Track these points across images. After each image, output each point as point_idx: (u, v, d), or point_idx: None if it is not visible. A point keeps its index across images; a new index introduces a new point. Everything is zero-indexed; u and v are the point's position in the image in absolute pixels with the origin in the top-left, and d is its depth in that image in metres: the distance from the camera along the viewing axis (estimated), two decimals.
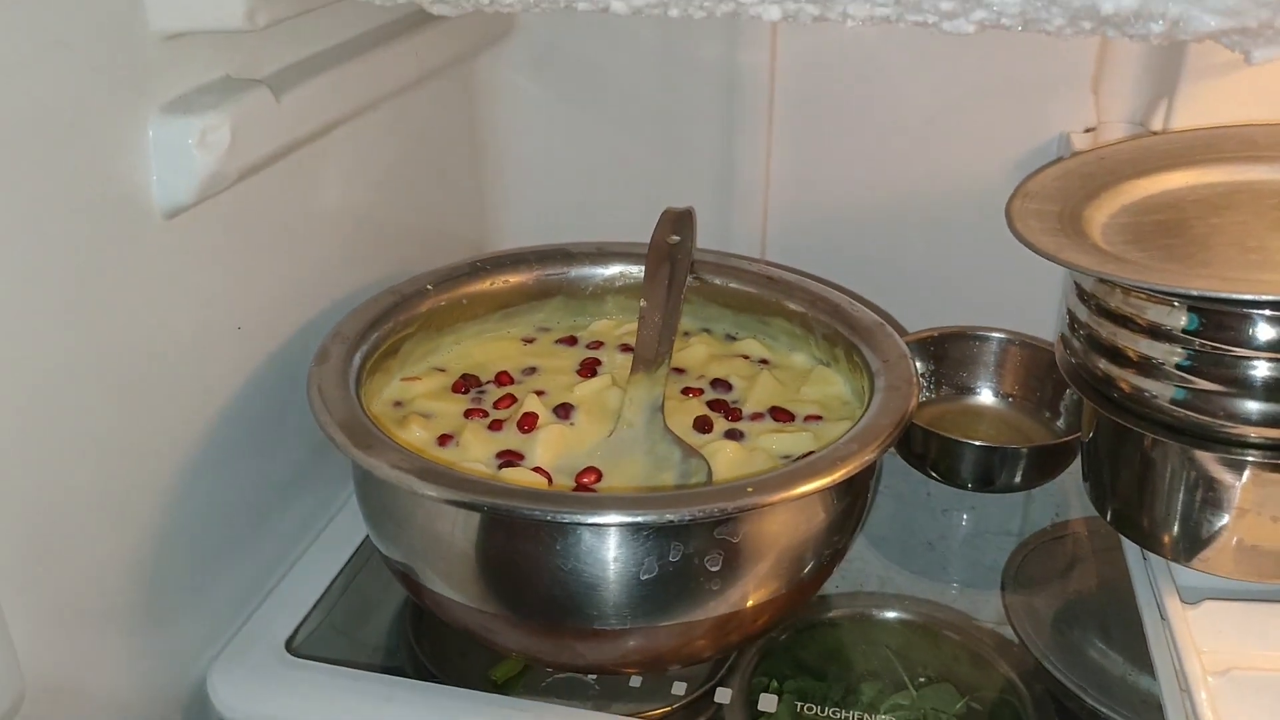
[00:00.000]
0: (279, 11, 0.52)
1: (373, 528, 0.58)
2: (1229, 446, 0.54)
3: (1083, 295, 0.59)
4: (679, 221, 0.71)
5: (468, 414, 0.62)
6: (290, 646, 0.60)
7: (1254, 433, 0.53)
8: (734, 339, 0.71)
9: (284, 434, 0.64)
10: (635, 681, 0.58)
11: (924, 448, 0.71)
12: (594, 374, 0.66)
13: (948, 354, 0.78)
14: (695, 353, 0.69)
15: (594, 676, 0.58)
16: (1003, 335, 0.77)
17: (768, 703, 0.57)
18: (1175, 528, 0.58)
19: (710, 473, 0.55)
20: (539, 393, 0.63)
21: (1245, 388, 0.53)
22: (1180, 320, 0.53)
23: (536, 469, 0.57)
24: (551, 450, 0.58)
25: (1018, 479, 0.70)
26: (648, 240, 0.70)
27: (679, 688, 0.58)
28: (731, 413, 0.63)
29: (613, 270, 0.72)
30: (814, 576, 0.55)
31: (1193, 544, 0.57)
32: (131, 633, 0.54)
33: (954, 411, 0.77)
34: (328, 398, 0.55)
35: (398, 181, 0.73)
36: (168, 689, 0.57)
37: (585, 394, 0.64)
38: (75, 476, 0.49)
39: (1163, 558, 0.59)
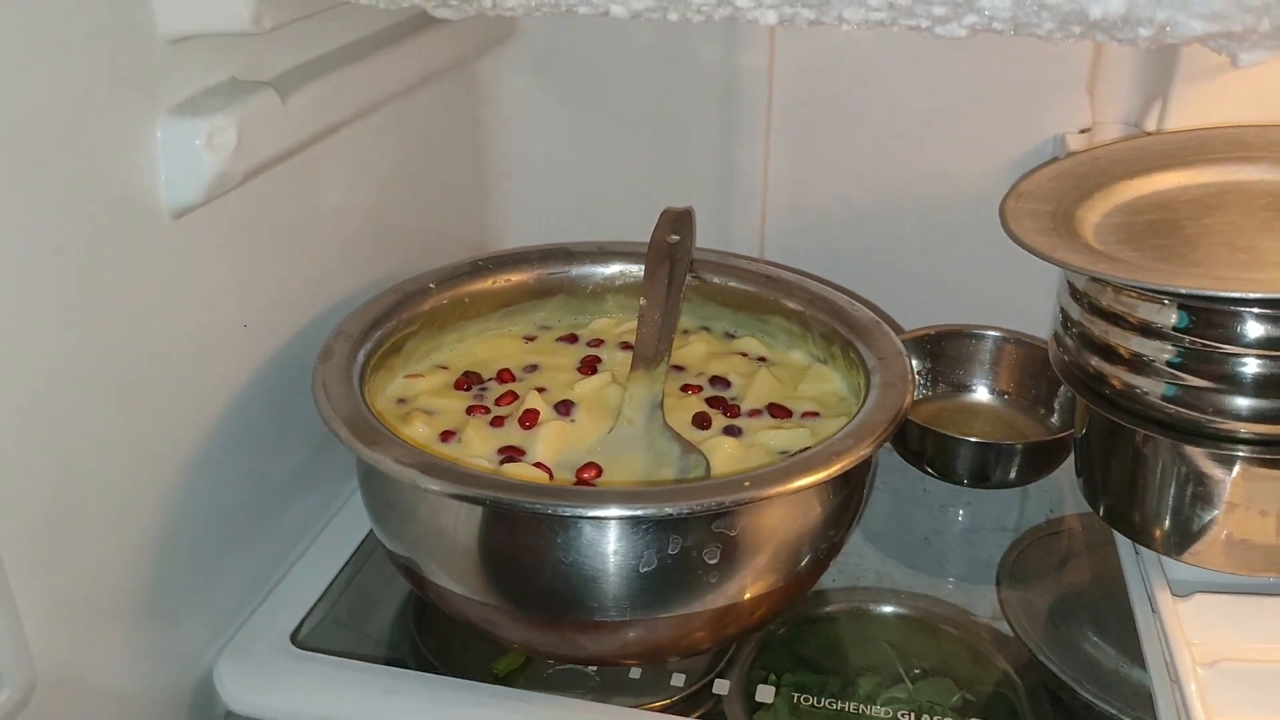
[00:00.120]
0: (284, 15, 0.53)
1: (376, 522, 0.58)
2: (1219, 442, 0.55)
3: (1075, 294, 0.60)
4: (678, 221, 0.71)
5: (470, 411, 0.62)
6: (295, 639, 0.60)
7: (1243, 428, 0.54)
8: (733, 337, 0.71)
9: (288, 431, 0.65)
10: (635, 673, 0.59)
11: (920, 444, 0.72)
12: (594, 371, 0.67)
13: (944, 352, 0.78)
14: (694, 350, 0.69)
15: (594, 668, 0.59)
16: (998, 333, 0.78)
17: (765, 694, 0.58)
18: (1166, 522, 0.58)
19: (709, 468, 0.56)
20: (540, 390, 0.64)
21: (1235, 384, 0.53)
22: (1171, 318, 0.54)
23: (538, 464, 0.58)
24: (552, 446, 0.59)
25: (1013, 475, 0.71)
26: (648, 240, 0.70)
27: (678, 679, 0.59)
28: (730, 409, 0.63)
29: (613, 269, 0.73)
30: (811, 570, 0.56)
31: (1184, 538, 0.58)
32: (138, 627, 0.55)
33: (950, 409, 0.78)
34: (332, 394, 0.56)
35: (400, 182, 0.74)
36: (174, 682, 0.58)
37: (586, 391, 0.64)
38: (81, 473, 0.50)
39: (1154, 552, 0.60)
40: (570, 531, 0.50)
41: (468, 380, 0.66)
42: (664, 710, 0.57)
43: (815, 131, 0.81)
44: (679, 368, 0.67)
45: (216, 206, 0.54)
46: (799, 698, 0.58)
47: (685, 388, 0.65)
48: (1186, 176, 0.65)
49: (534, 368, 0.67)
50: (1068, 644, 0.62)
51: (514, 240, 0.86)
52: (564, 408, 0.62)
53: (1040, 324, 0.78)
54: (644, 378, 0.61)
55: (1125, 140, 0.71)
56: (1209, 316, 0.53)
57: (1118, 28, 0.40)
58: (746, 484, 0.50)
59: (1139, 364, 0.56)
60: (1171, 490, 0.58)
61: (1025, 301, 0.76)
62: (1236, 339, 0.53)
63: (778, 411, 0.63)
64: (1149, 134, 0.72)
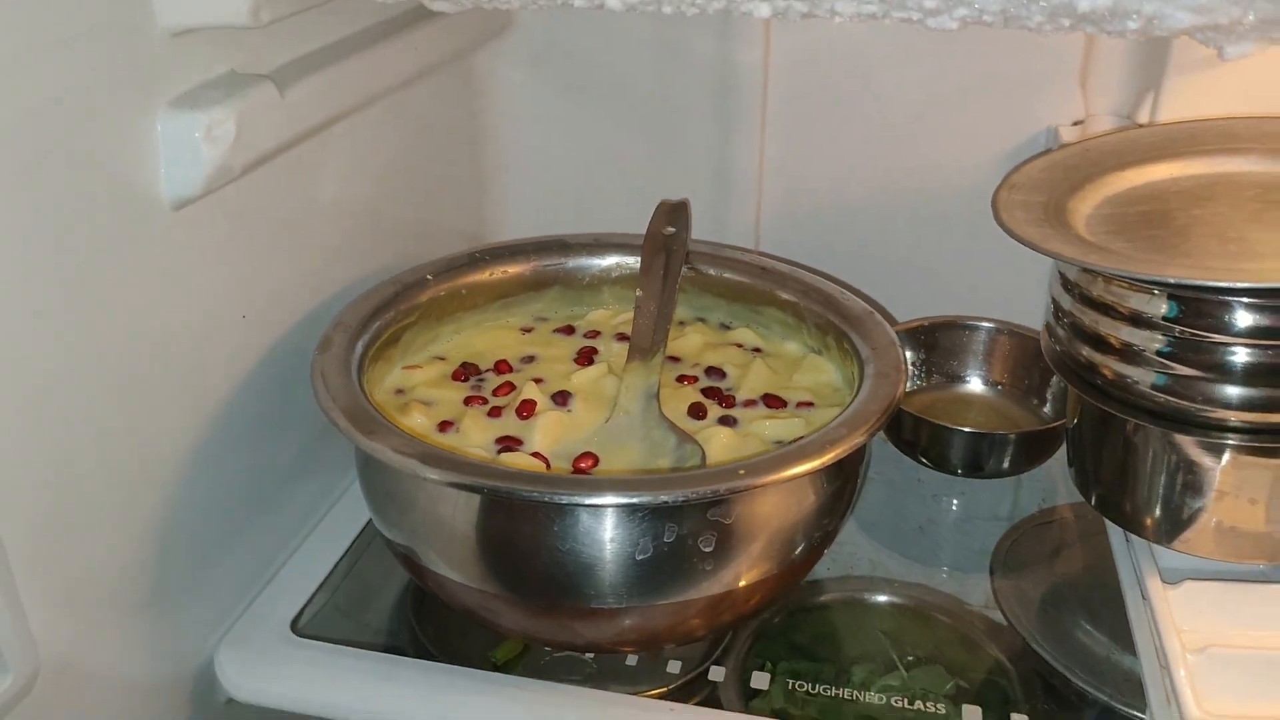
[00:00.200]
0: (282, 8, 0.53)
1: (375, 511, 0.59)
2: (1208, 430, 0.55)
3: (1067, 284, 0.60)
4: (674, 213, 0.72)
5: (467, 401, 0.63)
6: (295, 628, 0.61)
7: (1232, 417, 0.54)
8: (728, 328, 0.72)
9: (288, 421, 0.65)
10: (631, 661, 0.60)
11: (914, 434, 0.73)
12: (591, 362, 0.67)
13: (938, 343, 0.79)
14: (690, 341, 0.70)
15: (591, 656, 0.59)
16: (991, 325, 0.78)
17: (760, 681, 0.59)
18: (1157, 510, 0.59)
19: (704, 457, 0.56)
20: (537, 380, 0.64)
21: (1224, 373, 0.54)
22: (1161, 308, 0.55)
23: (535, 454, 0.58)
24: (549, 436, 0.60)
25: (1006, 464, 0.72)
26: (644, 232, 0.71)
27: (674, 667, 0.59)
28: (725, 400, 0.64)
29: (609, 261, 0.73)
30: (805, 558, 0.57)
31: (1174, 526, 0.58)
32: (139, 615, 0.55)
33: (944, 399, 0.78)
34: (331, 385, 0.56)
35: (398, 174, 0.74)
36: (176, 669, 0.58)
37: (582, 382, 0.65)
38: (84, 462, 0.50)
39: (1145, 540, 0.61)
40: (567, 519, 0.50)
41: (465, 371, 0.66)
42: (660, 698, 0.57)
43: (810, 124, 0.81)
44: (675, 358, 0.68)
45: (216, 199, 0.55)
46: (794, 684, 0.59)
47: (681, 378, 0.66)
48: (1177, 168, 0.65)
49: (531, 359, 0.68)
50: (1060, 632, 0.63)
51: (511, 232, 0.87)
52: (561, 398, 0.63)
53: (1033, 315, 0.78)
54: (640, 368, 0.62)
55: (1117, 132, 0.71)
56: (1198, 306, 0.54)
57: (1106, 20, 0.40)
58: (741, 472, 0.50)
59: (1129, 354, 0.56)
60: (1162, 479, 0.58)
61: (1018, 293, 0.77)
62: (1226, 328, 0.53)
63: (772, 402, 0.63)
64: (1140, 126, 0.72)
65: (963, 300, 0.81)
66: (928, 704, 0.57)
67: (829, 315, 0.66)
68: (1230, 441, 0.55)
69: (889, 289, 0.80)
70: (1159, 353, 0.55)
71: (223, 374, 0.59)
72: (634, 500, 0.49)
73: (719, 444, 0.59)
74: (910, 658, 0.61)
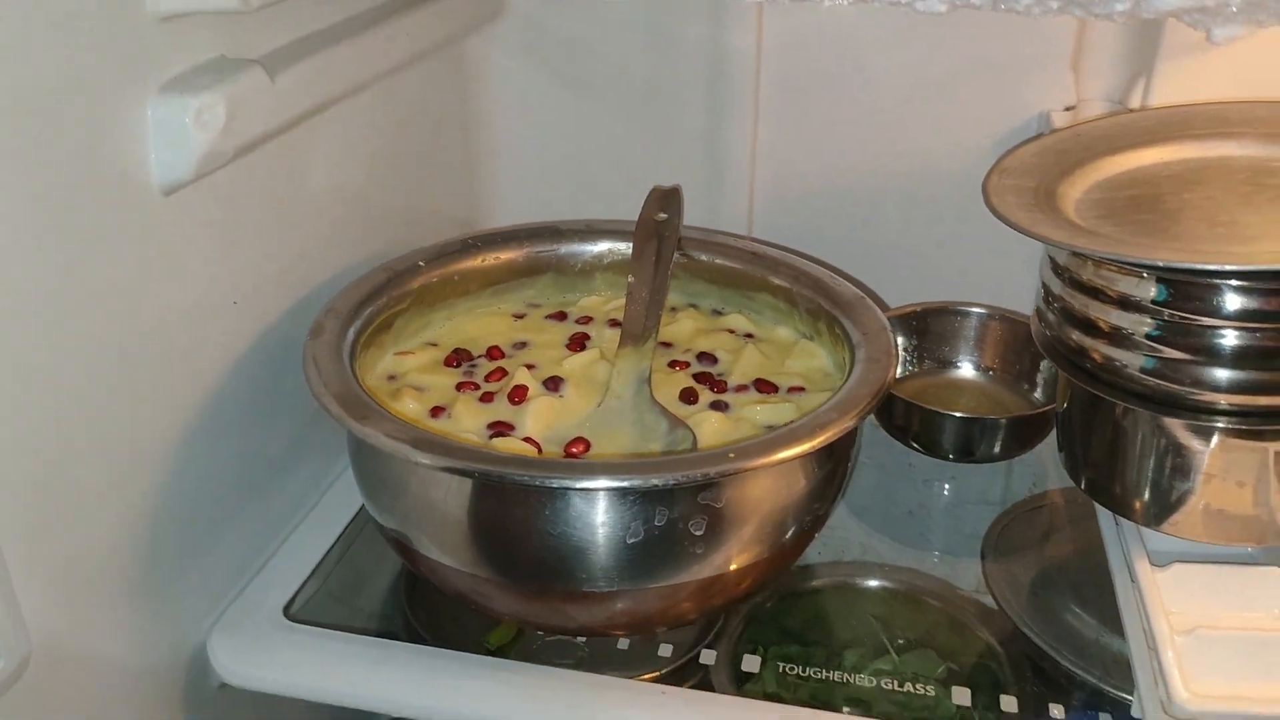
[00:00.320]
0: None
1: (368, 497, 0.59)
2: (1197, 414, 0.55)
3: (1057, 269, 0.60)
4: (666, 199, 0.72)
5: (459, 387, 0.63)
6: (288, 613, 0.61)
7: (1221, 400, 0.54)
8: (720, 314, 0.72)
9: (280, 407, 0.65)
10: (623, 644, 0.60)
11: (906, 420, 0.73)
12: (583, 348, 0.67)
13: (929, 329, 0.79)
14: (682, 327, 0.70)
15: (584, 640, 0.60)
16: (982, 310, 0.78)
17: (751, 664, 0.59)
18: (1146, 494, 0.59)
19: (695, 442, 0.56)
20: (529, 366, 0.64)
21: (1212, 356, 0.54)
22: (1149, 291, 0.55)
23: (527, 439, 0.58)
24: (541, 421, 0.60)
25: (997, 449, 0.72)
26: (636, 218, 0.70)
27: (666, 650, 0.59)
28: (717, 385, 0.64)
29: (601, 247, 0.73)
30: (795, 542, 0.57)
31: (1163, 509, 0.58)
32: (132, 599, 0.55)
33: (936, 385, 0.78)
34: (323, 370, 0.56)
35: (390, 160, 0.74)
36: (169, 654, 0.58)
37: (574, 367, 0.65)
38: (74, 448, 0.50)
39: (1134, 523, 0.61)
40: (558, 503, 0.50)
41: (457, 357, 0.66)
42: (652, 682, 0.58)
43: (802, 109, 0.81)
44: (667, 344, 0.68)
45: (207, 184, 0.55)
46: (785, 668, 0.59)
47: (673, 364, 0.66)
48: (1168, 152, 0.65)
49: (523, 345, 0.68)
50: (1050, 615, 0.63)
51: (503, 218, 0.87)
52: (553, 384, 0.63)
53: (1024, 300, 0.77)
54: (632, 354, 0.62)
55: (1108, 116, 0.71)
56: (1187, 289, 0.54)
57: (1094, 2, 0.40)
58: (731, 456, 0.50)
59: (1119, 337, 0.56)
60: (1151, 462, 0.58)
61: (1009, 278, 0.77)
62: (1215, 311, 0.53)
63: (764, 387, 0.63)
64: (1132, 110, 0.72)
65: (954, 286, 0.81)
66: (918, 686, 0.57)
67: (821, 301, 0.66)
68: (1219, 424, 0.55)
69: (881, 274, 0.80)
70: (1148, 336, 0.55)
71: (214, 360, 0.59)
72: (624, 484, 0.49)
73: (710, 429, 0.59)
74: (901, 642, 0.61)
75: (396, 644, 0.59)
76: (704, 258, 0.72)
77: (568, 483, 0.49)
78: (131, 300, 0.52)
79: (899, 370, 0.78)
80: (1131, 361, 0.56)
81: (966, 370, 0.79)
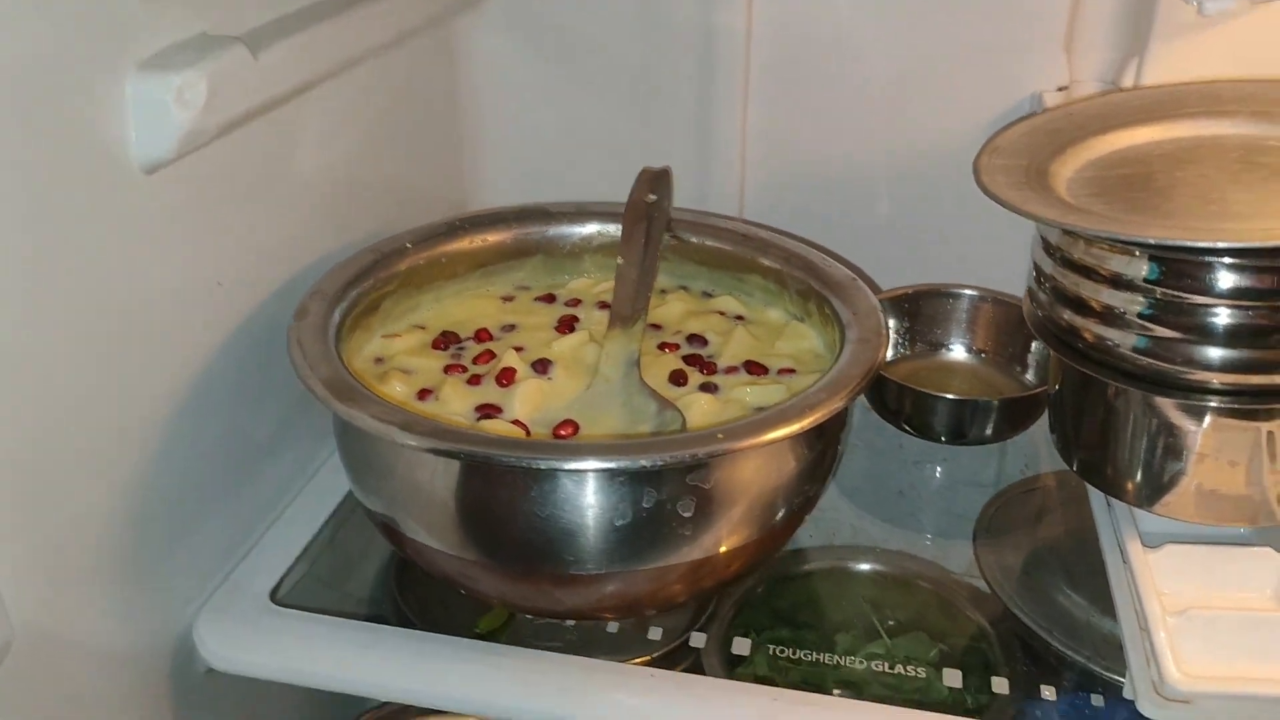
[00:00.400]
0: None
1: (354, 480, 0.58)
2: (1189, 393, 0.55)
3: (1048, 248, 0.60)
4: (656, 181, 0.71)
5: (447, 370, 0.62)
6: (275, 597, 0.61)
7: (1213, 379, 0.54)
8: (710, 296, 0.71)
9: (266, 390, 0.65)
10: (614, 628, 0.60)
11: (898, 402, 0.72)
12: (572, 330, 0.66)
13: (921, 311, 0.79)
14: (672, 309, 0.69)
15: (573, 624, 0.59)
16: (974, 292, 0.78)
17: (742, 647, 0.59)
18: (1138, 474, 0.59)
19: (685, 424, 0.56)
20: (518, 349, 0.64)
21: (1204, 334, 0.54)
22: (1141, 269, 0.54)
23: (515, 422, 0.58)
24: (529, 404, 0.59)
25: (989, 431, 0.72)
26: (625, 200, 0.70)
27: (655, 633, 0.59)
28: (706, 367, 0.63)
29: (590, 229, 0.72)
30: (786, 524, 0.57)
31: (1155, 489, 0.58)
32: (117, 584, 0.55)
33: (928, 367, 0.78)
34: (308, 352, 0.56)
35: (377, 141, 0.73)
36: (154, 639, 0.58)
37: (563, 350, 0.64)
38: (59, 429, 0.50)
39: (1126, 504, 0.61)
40: (545, 485, 0.50)
41: (445, 340, 0.65)
42: (643, 665, 0.57)
43: (793, 90, 0.81)
44: (656, 326, 0.67)
45: (189, 163, 0.54)
46: (776, 650, 0.58)
47: (662, 346, 0.66)
48: (1160, 131, 0.65)
49: (511, 327, 0.67)
50: (1041, 597, 0.63)
51: (491, 200, 0.86)
52: (541, 366, 0.62)
53: (1016, 283, 0.77)
54: (621, 336, 0.61)
55: (1099, 96, 0.71)
56: (1179, 267, 0.53)
57: None
58: (720, 436, 0.50)
59: (1110, 316, 0.56)
60: (1143, 442, 0.58)
61: (1001, 260, 0.76)
62: (1206, 289, 0.53)
63: (754, 368, 0.63)
64: (1123, 90, 0.72)
65: (946, 268, 0.81)
66: (909, 669, 0.57)
67: (811, 282, 0.66)
68: (1211, 404, 0.55)
69: (872, 257, 0.79)
70: (1140, 315, 0.55)
71: (200, 342, 0.59)
72: (612, 465, 0.49)
73: (699, 410, 0.59)
74: (893, 624, 0.61)
75: (384, 628, 0.58)
76: (694, 239, 0.71)
77: (555, 464, 0.49)
78: (113, 281, 0.52)
79: (890, 353, 0.78)
80: (1123, 341, 0.56)
81: (958, 352, 0.79)
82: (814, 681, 0.57)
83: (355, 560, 0.66)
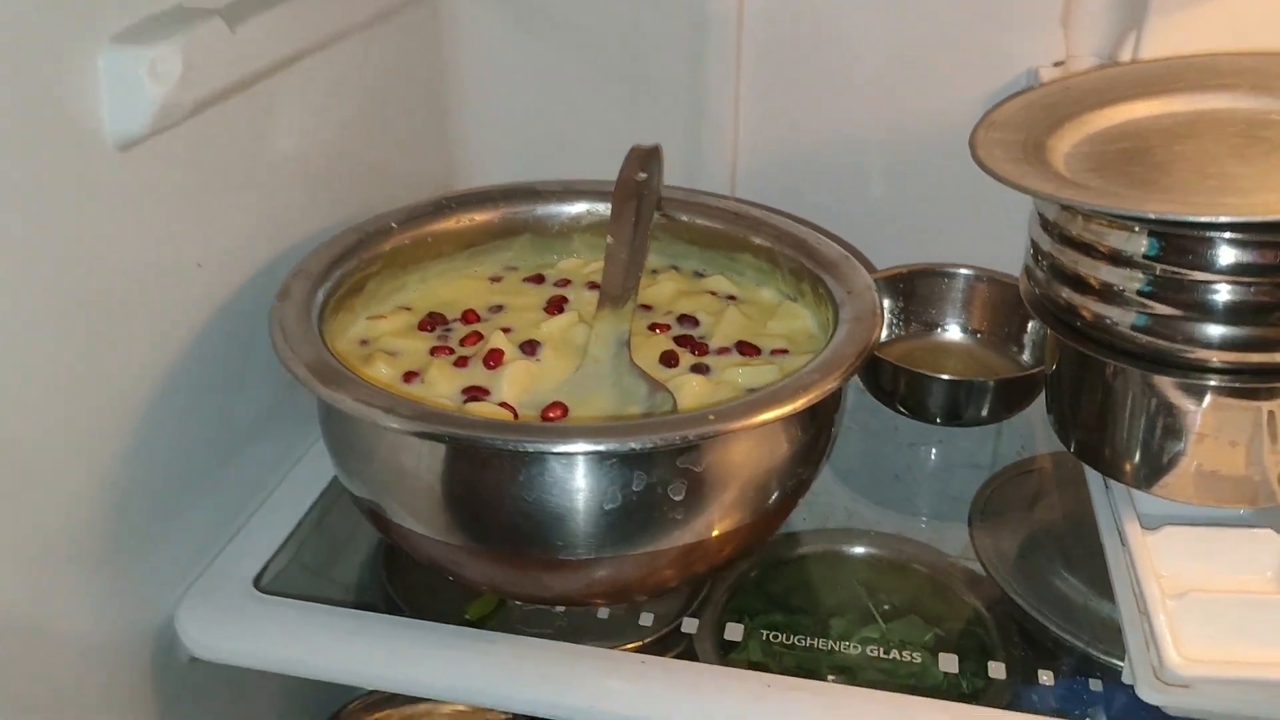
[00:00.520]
0: None
1: (339, 464, 0.57)
2: (1188, 372, 0.54)
3: (1045, 224, 0.59)
4: (646, 159, 0.70)
5: (433, 351, 0.61)
6: (259, 584, 0.60)
7: (1213, 357, 0.53)
8: (702, 275, 0.70)
9: (249, 373, 0.64)
10: (604, 614, 0.59)
11: (893, 383, 0.71)
12: (561, 311, 0.66)
13: (916, 291, 0.78)
14: (663, 289, 0.68)
15: (562, 610, 0.59)
16: (970, 271, 0.77)
17: (735, 633, 0.58)
18: (1136, 455, 0.58)
19: (676, 406, 0.55)
20: (505, 330, 0.63)
21: (1204, 312, 0.53)
22: (1140, 245, 0.53)
23: (502, 404, 0.57)
24: (517, 386, 0.58)
25: (985, 412, 0.71)
26: (615, 178, 0.69)
27: (647, 619, 0.58)
28: (698, 347, 0.62)
29: (580, 208, 0.71)
30: (779, 507, 0.56)
31: (1153, 470, 0.57)
32: (96, 571, 0.54)
33: (923, 348, 0.77)
34: (290, 334, 0.55)
35: (361, 118, 0.72)
36: (136, 628, 0.57)
37: (552, 331, 0.63)
38: (34, 412, 0.49)
39: (1124, 485, 0.60)
40: (532, 468, 0.49)
41: (431, 321, 0.64)
42: (634, 652, 0.56)
43: (786, 66, 0.79)
44: (647, 306, 0.67)
45: (167, 140, 0.53)
46: (769, 636, 0.58)
47: (653, 326, 0.65)
48: (1158, 105, 0.64)
49: (499, 308, 0.66)
50: (1038, 580, 0.62)
51: (479, 180, 0.85)
52: (529, 347, 0.61)
53: (1012, 262, 0.76)
54: (610, 316, 0.61)
55: (1096, 70, 0.70)
56: (1178, 243, 0.52)
57: None
58: (711, 418, 0.49)
59: (1109, 294, 0.55)
60: (1142, 422, 0.57)
61: (997, 239, 0.75)
62: (1207, 265, 0.52)
63: (746, 349, 0.62)
64: (1121, 64, 0.71)
65: (941, 247, 0.80)
66: (904, 654, 0.57)
67: (804, 261, 0.65)
68: (1211, 383, 0.54)
69: (867, 236, 0.79)
70: (1139, 292, 0.54)
71: (179, 323, 0.58)
72: (600, 448, 0.48)
73: (691, 392, 0.58)
74: (888, 609, 0.60)
75: (370, 615, 0.58)
76: (685, 218, 0.70)
77: (542, 447, 0.48)
78: (89, 261, 0.51)
79: (885, 333, 0.77)
80: (1122, 319, 0.55)
81: (954, 333, 0.78)
82: (808, 667, 0.56)
83: (342, 546, 0.65)
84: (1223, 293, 0.52)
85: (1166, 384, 0.55)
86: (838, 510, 0.68)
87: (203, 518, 0.61)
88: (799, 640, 0.58)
